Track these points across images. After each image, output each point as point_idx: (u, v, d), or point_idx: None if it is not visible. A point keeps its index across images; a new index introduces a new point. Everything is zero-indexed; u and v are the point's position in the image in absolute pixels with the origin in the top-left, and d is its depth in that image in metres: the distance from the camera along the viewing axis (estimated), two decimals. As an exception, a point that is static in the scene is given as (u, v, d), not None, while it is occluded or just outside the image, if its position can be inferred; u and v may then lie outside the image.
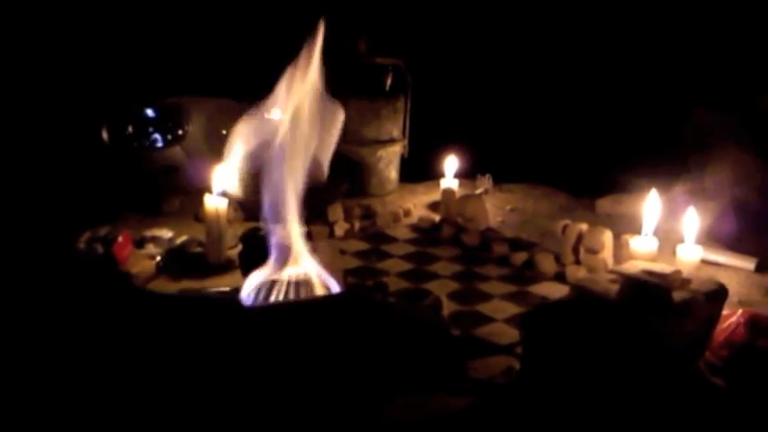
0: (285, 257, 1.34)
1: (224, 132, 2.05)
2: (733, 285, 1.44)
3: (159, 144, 1.99)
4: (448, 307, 1.42)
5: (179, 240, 1.64)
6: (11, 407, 1.12)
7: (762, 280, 1.57)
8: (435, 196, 2.01)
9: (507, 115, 2.35)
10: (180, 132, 2.01)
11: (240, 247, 1.51)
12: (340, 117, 1.47)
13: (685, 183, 1.85)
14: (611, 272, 1.26)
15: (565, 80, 2.36)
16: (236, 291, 1.37)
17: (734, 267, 1.61)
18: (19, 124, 2.08)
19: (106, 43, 2.24)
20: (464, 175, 2.06)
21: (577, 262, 1.62)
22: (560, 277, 1.59)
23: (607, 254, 1.60)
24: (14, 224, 1.66)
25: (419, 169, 2.14)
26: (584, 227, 1.63)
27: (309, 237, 1.43)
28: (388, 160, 2.08)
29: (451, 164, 2.02)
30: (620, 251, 1.61)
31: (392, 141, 2.07)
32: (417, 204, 2.01)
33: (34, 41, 2.18)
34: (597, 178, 2.03)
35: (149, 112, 2.02)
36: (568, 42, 2.35)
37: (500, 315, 1.44)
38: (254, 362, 1.13)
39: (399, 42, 2.13)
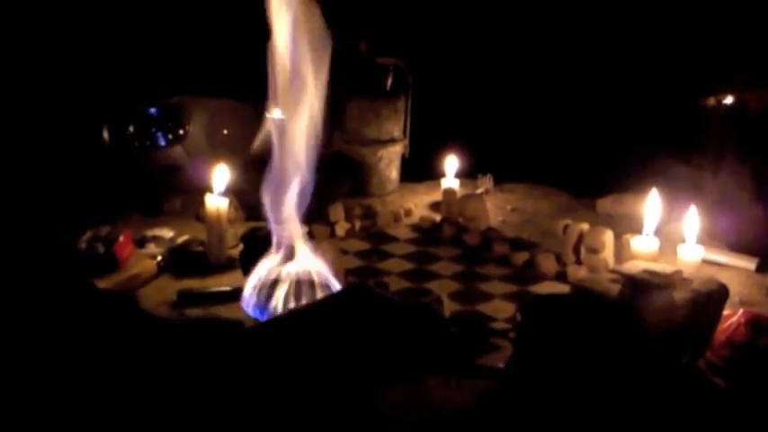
0: (287, 256, 1.34)
1: (225, 132, 2.06)
2: (734, 285, 1.44)
3: (161, 143, 1.99)
4: (449, 307, 1.42)
5: (180, 240, 1.64)
6: (11, 406, 1.13)
7: (763, 280, 1.56)
8: (436, 196, 2.00)
9: (508, 115, 2.35)
10: (181, 132, 2.01)
11: (241, 246, 1.52)
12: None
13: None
14: (613, 272, 1.27)
15: (565, 80, 2.36)
16: (239, 290, 1.37)
17: (735, 267, 1.61)
18: (21, 124, 2.08)
19: (108, 43, 2.24)
20: (465, 174, 2.06)
21: (578, 262, 1.62)
22: (561, 277, 1.59)
23: (608, 254, 1.60)
24: (15, 223, 1.67)
25: (420, 169, 2.14)
26: (585, 227, 1.63)
27: (311, 236, 1.43)
28: (389, 160, 2.08)
29: (452, 164, 2.02)
30: (621, 251, 1.61)
31: (393, 141, 2.07)
32: (418, 204, 2.01)
33: (36, 41, 2.18)
34: (598, 178, 2.03)
35: (150, 112, 2.02)
36: (569, 42, 2.35)
37: (501, 315, 1.44)
38: (260, 382, 1.14)
39: (400, 42, 2.13)
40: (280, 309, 1.31)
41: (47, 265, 1.49)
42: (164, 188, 1.93)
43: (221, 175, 1.63)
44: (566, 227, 1.65)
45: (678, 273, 1.23)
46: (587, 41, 2.33)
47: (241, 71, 2.31)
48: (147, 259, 1.56)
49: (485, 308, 1.47)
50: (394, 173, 2.10)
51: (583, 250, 1.61)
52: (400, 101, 2.07)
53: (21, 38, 2.17)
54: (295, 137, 1.36)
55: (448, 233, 1.80)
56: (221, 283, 1.50)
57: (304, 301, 1.31)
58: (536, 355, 1.18)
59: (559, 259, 1.63)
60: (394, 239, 1.81)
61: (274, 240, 1.37)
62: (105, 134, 1.97)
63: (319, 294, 1.33)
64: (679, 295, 1.17)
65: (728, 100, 2.04)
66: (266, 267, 1.35)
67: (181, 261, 1.59)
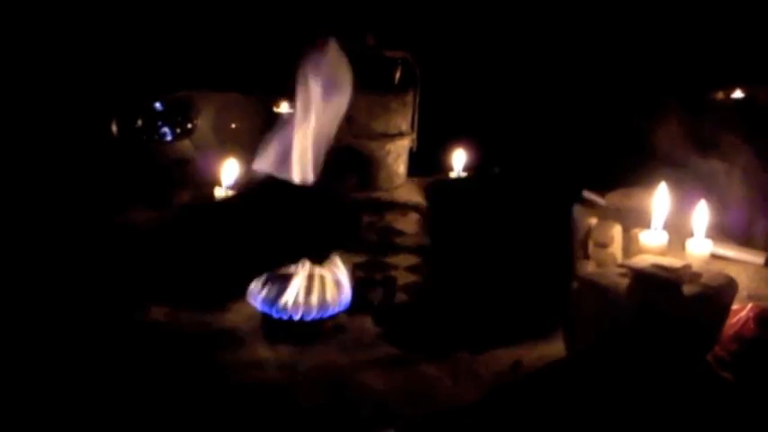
0: None
1: (233, 126, 2.06)
2: (742, 280, 1.43)
3: (168, 138, 2.00)
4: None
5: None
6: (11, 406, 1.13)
7: (771, 274, 1.56)
8: (444, 190, 2.00)
9: (516, 109, 2.35)
10: (189, 126, 2.01)
11: None
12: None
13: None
14: (621, 266, 1.26)
15: (574, 73, 2.35)
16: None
17: (743, 262, 1.61)
18: (27, 119, 2.09)
19: (115, 37, 2.25)
20: (473, 168, 2.05)
21: (586, 256, 1.61)
22: (569, 271, 1.59)
23: (616, 248, 1.59)
24: (21, 219, 1.67)
25: (428, 163, 2.14)
26: (593, 221, 1.62)
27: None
28: (397, 154, 2.07)
29: (460, 158, 2.02)
30: (629, 245, 1.61)
31: (401, 135, 2.07)
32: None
33: (44, 36, 2.19)
34: (606, 171, 2.02)
35: (158, 106, 2.02)
36: (577, 36, 2.34)
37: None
38: None
39: (408, 36, 2.12)
40: (290, 304, 1.31)
41: (49, 262, 1.49)
42: (172, 182, 1.93)
43: (230, 169, 1.63)
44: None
45: (687, 267, 1.22)
46: (596, 35, 2.32)
47: (249, 65, 2.32)
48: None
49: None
50: (402, 167, 2.10)
51: (591, 245, 1.61)
52: (408, 95, 2.07)
53: (28, 32, 2.17)
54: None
55: (456, 227, 1.80)
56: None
57: (315, 297, 1.32)
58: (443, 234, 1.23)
59: (567, 253, 1.63)
60: (401, 233, 1.80)
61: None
62: (114, 128, 1.98)
63: (330, 290, 1.33)
64: (688, 289, 1.17)
65: (737, 94, 2.04)
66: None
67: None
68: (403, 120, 2.07)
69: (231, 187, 1.62)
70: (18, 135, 2.02)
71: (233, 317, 1.39)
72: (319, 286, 1.32)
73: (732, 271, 1.42)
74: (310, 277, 1.32)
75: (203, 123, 2.02)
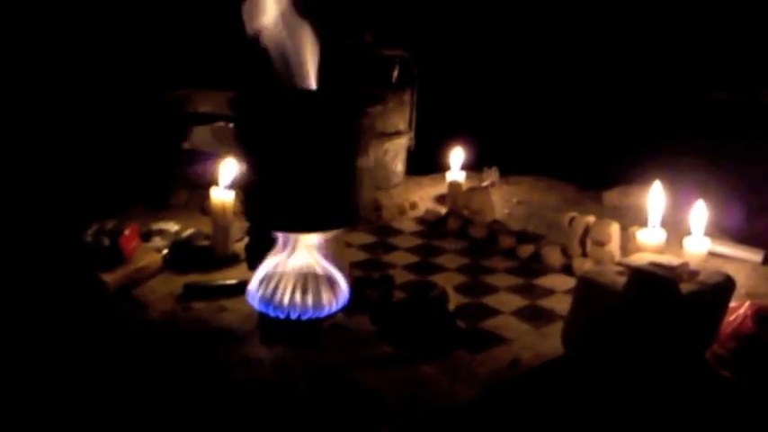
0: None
1: (230, 126, 2.06)
2: (740, 277, 1.44)
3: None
4: (454, 299, 1.42)
5: (185, 233, 1.65)
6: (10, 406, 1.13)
7: (769, 272, 1.56)
8: (441, 189, 2.00)
9: (514, 107, 2.35)
10: (187, 125, 2.01)
11: (246, 240, 1.51)
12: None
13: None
14: (619, 264, 1.26)
15: (571, 72, 2.35)
16: (244, 283, 1.37)
17: (741, 260, 1.61)
18: (26, 117, 2.09)
19: (114, 36, 2.24)
20: (470, 167, 2.05)
21: (584, 254, 1.61)
22: (567, 269, 1.59)
23: (614, 246, 1.59)
24: (21, 217, 1.67)
25: (425, 162, 2.14)
26: (591, 219, 1.62)
27: None
28: (395, 153, 2.07)
29: (458, 156, 2.02)
30: (627, 243, 1.61)
31: (398, 134, 2.07)
32: (423, 197, 2.01)
33: (42, 33, 2.18)
34: (604, 170, 2.03)
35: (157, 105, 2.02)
36: (574, 34, 2.34)
37: (506, 308, 1.44)
38: None
39: (406, 34, 2.12)
40: (286, 302, 1.31)
41: (52, 259, 1.49)
42: (170, 181, 1.93)
43: (227, 169, 1.63)
44: (572, 219, 1.65)
45: (685, 265, 1.22)
46: (593, 34, 2.32)
47: (247, 64, 2.32)
48: (152, 252, 1.56)
49: (490, 300, 1.47)
50: (399, 166, 2.10)
51: (589, 243, 1.61)
52: (406, 93, 2.07)
53: (25, 31, 2.17)
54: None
55: (453, 226, 1.80)
56: (227, 277, 1.51)
57: (310, 295, 1.32)
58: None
59: (565, 252, 1.63)
60: (399, 232, 1.80)
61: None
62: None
63: (325, 287, 1.33)
64: (686, 287, 1.17)
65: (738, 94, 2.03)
66: (272, 261, 1.35)
67: (186, 254, 1.59)
68: (400, 118, 2.07)
69: (228, 187, 1.61)
70: (17, 134, 2.02)
71: (230, 316, 1.39)
72: (315, 285, 1.32)
73: (730, 269, 1.43)
74: (306, 276, 1.32)
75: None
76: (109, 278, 1.44)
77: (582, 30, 2.33)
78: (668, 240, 1.58)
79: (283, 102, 1.30)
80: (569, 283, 1.51)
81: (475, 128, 2.09)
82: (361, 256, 1.66)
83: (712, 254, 1.60)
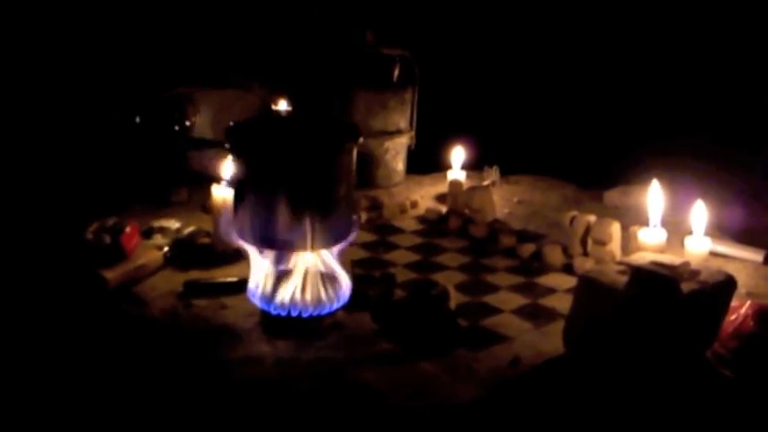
0: None
1: (231, 123, 2.06)
2: (741, 277, 1.44)
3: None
4: (455, 298, 1.42)
5: (186, 231, 1.64)
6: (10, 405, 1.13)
7: (770, 272, 1.56)
8: (442, 188, 2.00)
9: (515, 107, 2.35)
10: (187, 123, 2.01)
11: None
12: None
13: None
14: (620, 263, 1.26)
15: (573, 71, 2.35)
16: (245, 281, 1.37)
17: (742, 259, 1.61)
18: (27, 114, 2.08)
19: (114, 34, 2.24)
20: (471, 166, 2.05)
21: (585, 253, 1.61)
22: (568, 269, 1.58)
23: (615, 245, 1.59)
24: (21, 215, 1.67)
25: (426, 161, 2.14)
26: (592, 218, 1.62)
27: None
28: (395, 152, 2.07)
29: (458, 155, 2.02)
30: (628, 243, 1.61)
31: (399, 133, 2.07)
32: (424, 196, 2.01)
33: (43, 33, 2.18)
34: (605, 170, 2.03)
35: (157, 103, 2.02)
36: (575, 33, 2.34)
37: (507, 306, 1.44)
38: None
39: (407, 33, 2.12)
40: (287, 301, 1.31)
41: (52, 256, 1.49)
42: (171, 178, 1.93)
43: (228, 166, 1.62)
44: (572, 218, 1.65)
45: (686, 264, 1.22)
46: (594, 33, 2.32)
47: (247, 62, 2.32)
48: (153, 250, 1.56)
49: (491, 299, 1.47)
50: (400, 164, 2.10)
51: (590, 242, 1.61)
52: (407, 92, 2.07)
53: (27, 30, 2.17)
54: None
55: (454, 225, 1.80)
56: (228, 274, 1.50)
57: (309, 293, 1.32)
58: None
59: (566, 251, 1.63)
60: (400, 231, 1.80)
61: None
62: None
63: (327, 287, 1.33)
64: (687, 287, 1.17)
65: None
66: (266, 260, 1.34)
67: (187, 252, 1.59)
68: (401, 117, 2.07)
69: (230, 184, 1.61)
70: (16, 133, 2.02)
71: (231, 313, 1.39)
72: (315, 283, 1.32)
73: (731, 268, 1.43)
74: (306, 274, 1.32)
75: (202, 120, 2.01)
76: (109, 275, 1.44)
77: (583, 29, 2.33)
78: (669, 240, 1.58)
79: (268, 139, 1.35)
80: (570, 282, 1.50)
81: (476, 127, 2.09)
82: (361, 254, 1.66)
83: (713, 254, 1.60)
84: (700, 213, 1.56)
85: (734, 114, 2.14)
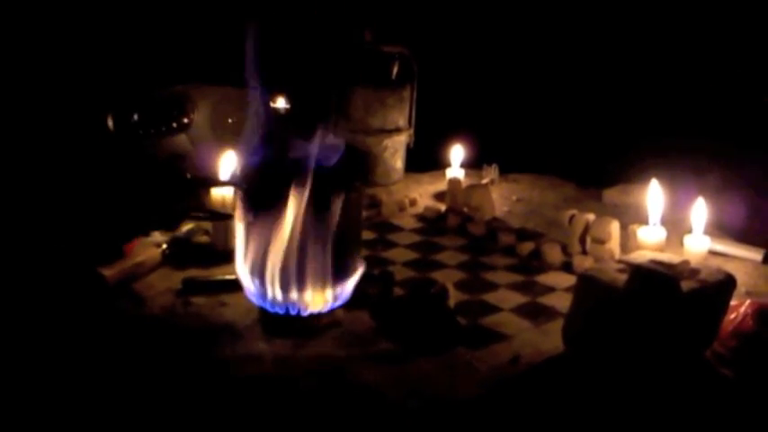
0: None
1: (229, 120, 2.05)
2: (741, 276, 1.44)
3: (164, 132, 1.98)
4: (454, 296, 1.42)
5: (185, 229, 1.64)
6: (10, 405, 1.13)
7: (770, 271, 1.56)
8: (441, 186, 2.00)
9: (514, 105, 2.34)
10: (185, 121, 2.00)
11: None
12: None
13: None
14: (619, 261, 1.26)
15: (572, 69, 2.35)
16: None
17: (741, 258, 1.61)
18: (24, 115, 2.08)
19: (112, 32, 2.23)
20: (470, 164, 2.05)
21: (584, 252, 1.61)
22: (567, 267, 1.58)
23: (614, 244, 1.59)
24: (21, 214, 1.66)
25: (425, 159, 2.14)
26: (591, 217, 1.62)
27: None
28: (394, 149, 2.07)
29: (457, 153, 2.02)
30: (627, 241, 1.61)
31: (398, 131, 2.07)
32: (423, 194, 2.00)
33: (40, 31, 2.17)
34: (604, 168, 2.02)
35: (155, 101, 2.01)
36: (574, 32, 2.34)
37: (506, 305, 1.44)
38: None
39: (406, 31, 2.12)
40: (279, 298, 1.30)
41: (51, 254, 1.48)
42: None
43: (227, 163, 1.62)
44: (572, 217, 1.65)
45: (685, 263, 1.22)
46: (594, 32, 2.32)
47: (245, 59, 2.31)
48: (152, 248, 1.55)
49: (490, 297, 1.46)
50: (399, 162, 2.10)
51: (589, 240, 1.61)
52: (405, 90, 2.06)
53: (24, 28, 2.16)
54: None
55: (453, 223, 1.80)
56: (226, 272, 1.50)
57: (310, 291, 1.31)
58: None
59: (565, 249, 1.63)
60: (399, 229, 1.80)
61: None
62: (110, 123, 1.96)
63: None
64: (686, 285, 1.17)
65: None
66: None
67: (186, 250, 1.59)
68: (400, 115, 2.07)
69: (228, 182, 1.61)
70: (14, 132, 2.01)
71: (230, 311, 1.38)
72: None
73: (730, 267, 1.42)
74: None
75: (200, 118, 2.01)
76: (108, 273, 1.44)
77: (582, 28, 2.33)
78: (668, 239, 1.58)
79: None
80: (569, 280, 1.50)
81: (475, 125, 2.09)
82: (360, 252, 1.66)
83: (712, 252, 1.60)
84: (700, 212, 1.56)
85: (733, 112, 2.14)
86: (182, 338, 1.31)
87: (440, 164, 2.08)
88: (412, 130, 2.10)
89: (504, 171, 2.10)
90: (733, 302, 1.25)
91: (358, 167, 1.40)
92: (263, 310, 1.33)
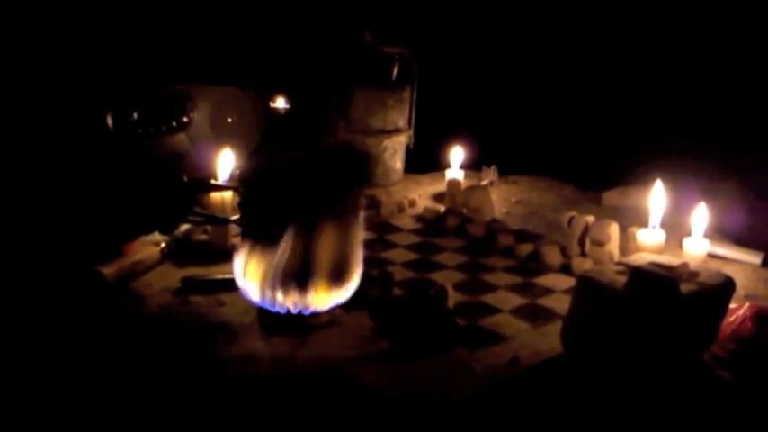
0: None
1: (229, 120, 2.05)
2: (739, 279, 1.44)
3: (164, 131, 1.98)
4: (453, 297, 1.42)
5: (184, 227, 1.64)
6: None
7: (768, 274, 1.56)
8: (440, 187, 2.00)
9: (513, 106, 2.34)
10: (185, 120, 2.00)
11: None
12: None
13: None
14: (619, 263, 1.26)
15: (571, 71, 2.35)
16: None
17: (740, 261, 1.61)
18: (22, 114, 2.07)
19: (112, 31, 2.23)
20: (470, 166, 2.05)
21: (583, 254, 1.61)
22: (566, 269, 1.58)
23: (613, 246, 1.59)
24: (21, 213, 1.66)
25: (424, 160, 2.14)
26: (590, 219, 1.62)
27: None
28: (394, 150, 2.07)
29: (457, 155, 2.02)
30: (626, 244, 1.61)
31: (398, 131, 2.07)
32: (422, 195, 2.00)
33: (39, 29, 2.17)
34: (603, 170, 2.03)
35: (154, 100, 2.01)
36: (574, 34, 2.34)
37: (505, 306, 1.43)
38: None
39: (406, 32, 2.12)
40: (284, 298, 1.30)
41: (50, 252, 1.48)
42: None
43: (225, 162, 1.62)
44: (571, 219, 1.65)
45: (685, 265, 1.22)
46: (594, 33, 2.32)
47: (246, 59, 2.31)
48: (150, 246, 1.55)
49: (489, 298, 1.46)
50: (398, 163, 2.10)
51: (588, 242, 1.61)
52: (405, 91, 2.06)
53: (23, 26, 2.16)
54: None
55: (452, 224, 1.80)
56: (225, 271, 1.50)
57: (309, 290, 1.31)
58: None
59: (564, 251, 1.62)
60: (398, 230, 1.80)
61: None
62: (109, 121, 1.96)
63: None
64: (686, 288, 1.17)
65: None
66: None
67: (185, 248, 1.59)
68: (400, 116, 2.07)
69: (228, 181, 1.61)
70: (13, 131, 2.01)
71: (228, 310, 1.38)
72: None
73: (729, 270, 1.43)
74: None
75: (200, 118, 2.01)
76: (107, 271, 1.44)
77: (582, 29, 2.33)
78: (667, 241, 1.58)
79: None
80: (568, 282, 1.50)
81: (474, 127, 2.09)
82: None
83: (711, 255, 1.60)
84: (700, 215, 1.56)
85: (733, 115, 2.14)
86: (180, 337, 1.30)
87: (439, 165, 2.08)
88: (412, 131, 2.10)
89: (504, 173, 2.10)
90: (732, 305, 1.25)
91: (360, 169, 1.38)
92: (261, 310, 1.33)
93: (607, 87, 2.28)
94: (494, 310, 1.42)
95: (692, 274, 1.21)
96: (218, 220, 1.57)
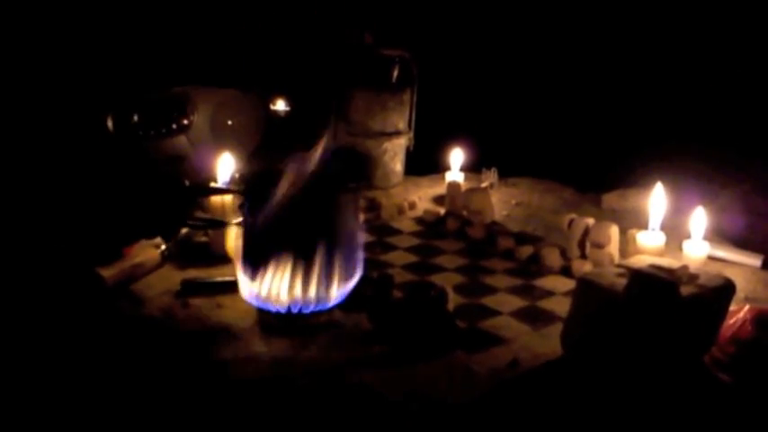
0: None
1: (229, 123, 2.06)
2: (739, 282, 1.44)
3: (164, 133, 1.98)
4: (453, 299, 1.42)
5: (184, 230, 1.64)
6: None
7: (768, 277, 1.56)
8: (440, 189, 2.00)
9: (513, 109, 2.35)
10: (185, 122, 2.01)
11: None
12: None
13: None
14: (619, 266, 1.26)
15: (571, 74, 2.35)
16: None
17: (740, 264, 1.61)
18: (22, 116, 2.08)
19: (113, 33, 2.24)
20: (469, 168, 2.06)
21: (583, 256, 1.61)
22: (566, 271, 1.58)
23: (613, 248, 1.59)
24: (21, 215, 1.66)
25: (424, 162, 2.14)
26: (590, 221, 1.62)
27: None
28: (394, 152, 2.07)
29: (457, 157, 2.02)
30: (626, 246, 1.61)
31: (398, 134, 2.07)
32: (422, 197, 2.01)
33: (40, 31, 2.17)
34: (603, 173, 2.03)
35: (155, 102, 2.01)
36: (574, 36, 2.34)
37: (505, 308, 1.43)
38: None
39: (406, 34, 2.12)
40: (284, 298, 1.30)
41: (50, 254, 1.48)
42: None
43: (225, 165, 1.62)
44: (571, 221, 1.65)
45: (684, 268, 1.22)
46: (594, 36, 2.32)
47: (246, 62, 2.32)
48: (151, 249, 1.55)
49: (489, 301, 1.46)
50: (398, 165, 2.10)
51: (588, 245, 1.61)
52: (406, 93, 2.07)
53: (24, 28, 2.16)
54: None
55: (452, 226, 1.80)
56: (225, 274, 1.50)
57: (313, 290, 1.32)
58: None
59: (564, 254, 1.62)
60: (398, 232, 1.80)
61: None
62: (110, 123, 1.96)
63: (323, 284, 1.33)
64: (686, 290, 1.17)
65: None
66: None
67: (185, 251, 1.59)
68: (400, 118, 2.07)
69: (227, 183, 1.61)
70: (13, 132, 2.01)
71: (229, 312, 1.38)
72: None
73: (729, 273, 1.42)
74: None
75: (200, 120, 2.01)
76: (107, 274, 1.44)
77: (582, 31, 2.33)
78: (667, 244, 1.58)
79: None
80: (568, 284, 1.50)
81: (474, 129, 2.09)
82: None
83: (711, 258, 1.60)
84: (698, 218, 1.56)
85: (734, 118, 2.14)
86: (180, 340, 1.30)
87: (439, 167, 2.08)
88: (412, 134, 2.10)
89: (504, 175, 2.10)
90: (732, 308, 1.25)
91: (359, 171, 1.39)
92: (261, 312, 1.33)
93: (607, 90, 2.28)
94: (494, 313, 1.42)
95: (692, 277, 1.21)
96: (217, 224, 1.57)
